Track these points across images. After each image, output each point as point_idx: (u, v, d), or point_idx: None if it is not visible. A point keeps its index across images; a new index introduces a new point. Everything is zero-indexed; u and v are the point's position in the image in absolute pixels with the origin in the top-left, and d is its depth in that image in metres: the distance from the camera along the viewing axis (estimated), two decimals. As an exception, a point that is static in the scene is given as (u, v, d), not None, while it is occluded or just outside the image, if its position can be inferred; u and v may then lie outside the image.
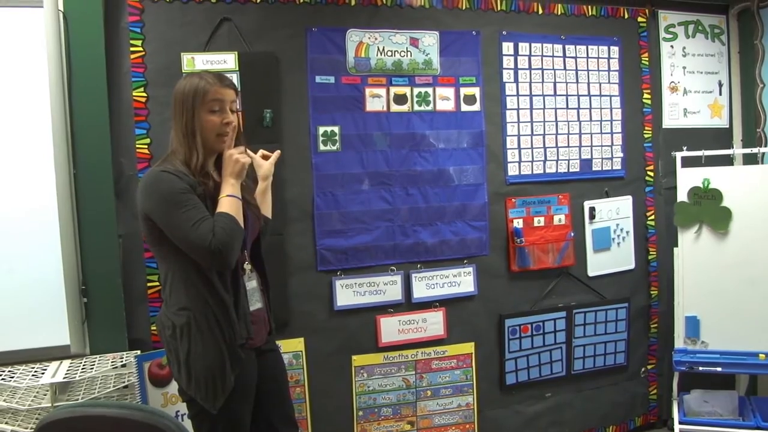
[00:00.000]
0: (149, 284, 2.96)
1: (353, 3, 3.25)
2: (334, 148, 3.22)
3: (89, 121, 2.81)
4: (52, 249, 2.76)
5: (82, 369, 2.65)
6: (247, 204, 2.31)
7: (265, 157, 2.55)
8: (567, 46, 3.66)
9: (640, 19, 3.84)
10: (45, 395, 2.61)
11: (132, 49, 2.91)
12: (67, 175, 2.75)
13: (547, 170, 3.63)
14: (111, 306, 2.88)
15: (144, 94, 2.92)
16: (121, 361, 2.79)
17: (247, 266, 2.34)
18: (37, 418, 2.59)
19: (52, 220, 2.76)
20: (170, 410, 2.86)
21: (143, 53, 2.92)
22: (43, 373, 2.62)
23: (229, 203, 2.15)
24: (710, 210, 3.54)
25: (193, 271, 2.15)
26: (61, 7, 2.74)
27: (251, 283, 2.33)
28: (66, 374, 2.58)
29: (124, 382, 2.77)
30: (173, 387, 2.87)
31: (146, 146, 2.93)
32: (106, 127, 2.84)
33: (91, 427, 1.72)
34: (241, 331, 2.18)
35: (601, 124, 3.75)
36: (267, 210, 2.56)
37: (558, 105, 3.65)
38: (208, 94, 2.18)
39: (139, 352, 2.86)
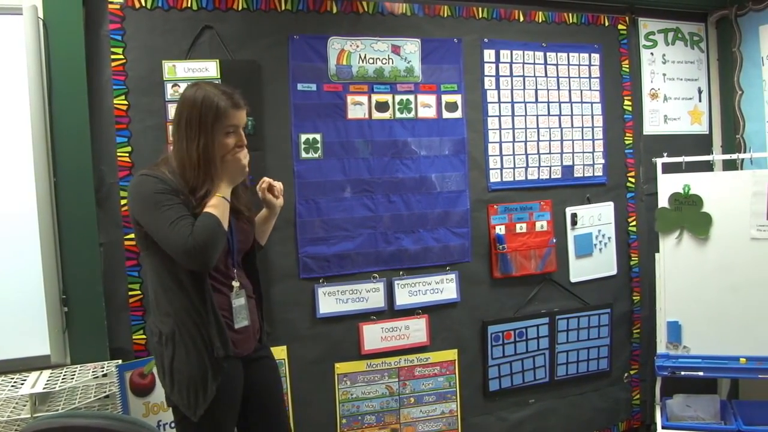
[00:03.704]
0: (131, 293, 2.94)
1: (335, 11, 3.26)
2: (316, 155, 3.22)
3: (70, 129, 2.79)
4: (32, 257, 2.73)
5: (63, 379, 2.62)
6: (238, 214, 2.30)
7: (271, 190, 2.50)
8: (548, 53, 3.69)
9: (620, 26, 3.87)
10: (24, 406, 2.57)
11: (113, 56, 2.89)
12: (47, 183, 2.73)
13: (529, 177, 3.65)
14: (92, 315, 2.85)
15: (125, 102, 2.91)
16: (102, 371, 2.75)
17: (235, 284, 2.29)
18: (16, 430, 2.56)
19: (32, 228, 2.73)
20: (152, 420, 2.85)
21: (124, 61, 2.90)
22: (22, 384, 2.58)
23: (218, 204, 2.11)
24: (691, 216, 3.56)
25: (175, 282, 2.16)
26: (40, 15, 2.72)
27: (238, 301, 2.28)
28: (46, 384, 2.55)
29: (105, 392, 2.74)
30: (155, 397, 2.87)
31: (127, 154, 2.91)
32: (87, 135, 2.82)
33: (71, 438, 1.70)
34: (221, 347, 2.17)
35: (582, 130, 3.77)
36: (263, 236, 2.57)
37: (539, 112, 3.67)
38: (227, 118, 2.15)
39: (120, 361, 2.83)
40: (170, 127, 2.84)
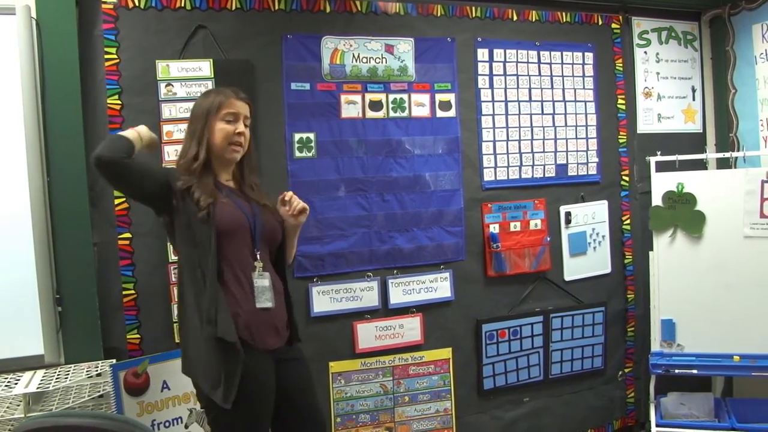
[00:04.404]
0: (125, 292, 2.93)
1: (328, 10, 3.26)
2: (310, 154, 3.22)
3: (63, 128, 2.79)
4: (25, 257, 2.73)
5: (57, 379, 2.61)
6: (262, 206, 2.46)
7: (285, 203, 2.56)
8: (542, 52, 3.69)
9: (613, 25, 3.88)
10: (18, 406, 2.57)
11: (106, 56, 2.89)
12: (40, 183, 2.73)
13: (523, 175, 3.65)
14: (86, 315, 2.85)
15: (119, 102, 2.91)
16: (97, 371, 2.76)
17: (258, 264, 2.37)
18: (9, 430, 2.56)
19: (25, 227, 2.72)
20: (146, 419, 2.84)
21: (118, 61, 2.91)
22: (16, 383, 2.58)
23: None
24: (684, 214, 3.57)
25: (192, 266, 2.27)
26: (34, 15, 2.73)
27: (262, 281, 2.36)
28: (40, 384, 2.54)
29: (99, 392, 2.74)
30: (149, 396, 2.87)
31: (121, 154, 2.91)
32: (81, 135, 2.82)
33: (63, 438, 1.70)
34: (227, 325, 2.21)
35: (576, 129, 3.77)
36: (286, 253, 2.61)
37: (533, 111, 3.67)
38: (223, 105, 2.37)
39: (114, 361, 2.83)
40: (164, 128, 2.94)
